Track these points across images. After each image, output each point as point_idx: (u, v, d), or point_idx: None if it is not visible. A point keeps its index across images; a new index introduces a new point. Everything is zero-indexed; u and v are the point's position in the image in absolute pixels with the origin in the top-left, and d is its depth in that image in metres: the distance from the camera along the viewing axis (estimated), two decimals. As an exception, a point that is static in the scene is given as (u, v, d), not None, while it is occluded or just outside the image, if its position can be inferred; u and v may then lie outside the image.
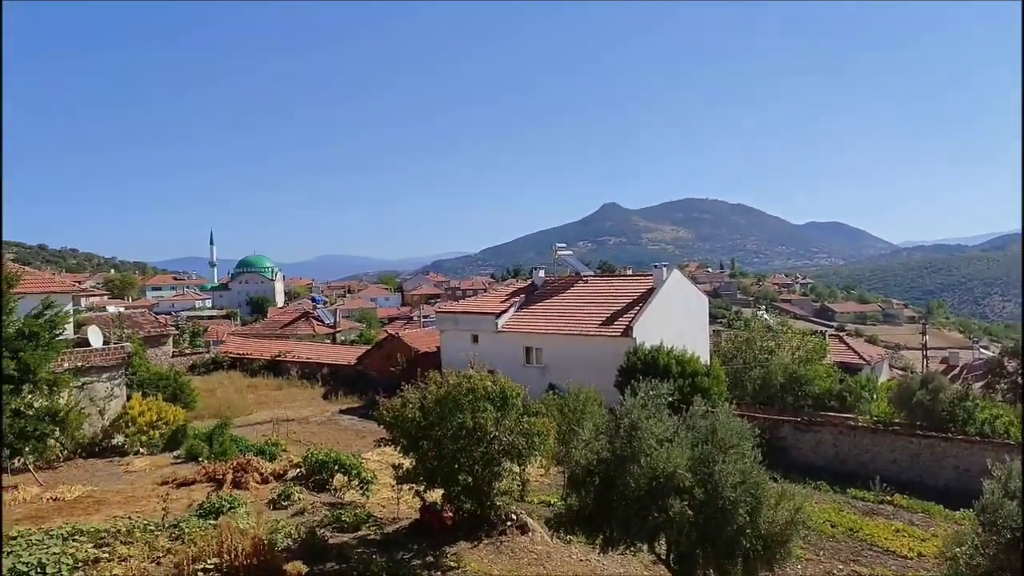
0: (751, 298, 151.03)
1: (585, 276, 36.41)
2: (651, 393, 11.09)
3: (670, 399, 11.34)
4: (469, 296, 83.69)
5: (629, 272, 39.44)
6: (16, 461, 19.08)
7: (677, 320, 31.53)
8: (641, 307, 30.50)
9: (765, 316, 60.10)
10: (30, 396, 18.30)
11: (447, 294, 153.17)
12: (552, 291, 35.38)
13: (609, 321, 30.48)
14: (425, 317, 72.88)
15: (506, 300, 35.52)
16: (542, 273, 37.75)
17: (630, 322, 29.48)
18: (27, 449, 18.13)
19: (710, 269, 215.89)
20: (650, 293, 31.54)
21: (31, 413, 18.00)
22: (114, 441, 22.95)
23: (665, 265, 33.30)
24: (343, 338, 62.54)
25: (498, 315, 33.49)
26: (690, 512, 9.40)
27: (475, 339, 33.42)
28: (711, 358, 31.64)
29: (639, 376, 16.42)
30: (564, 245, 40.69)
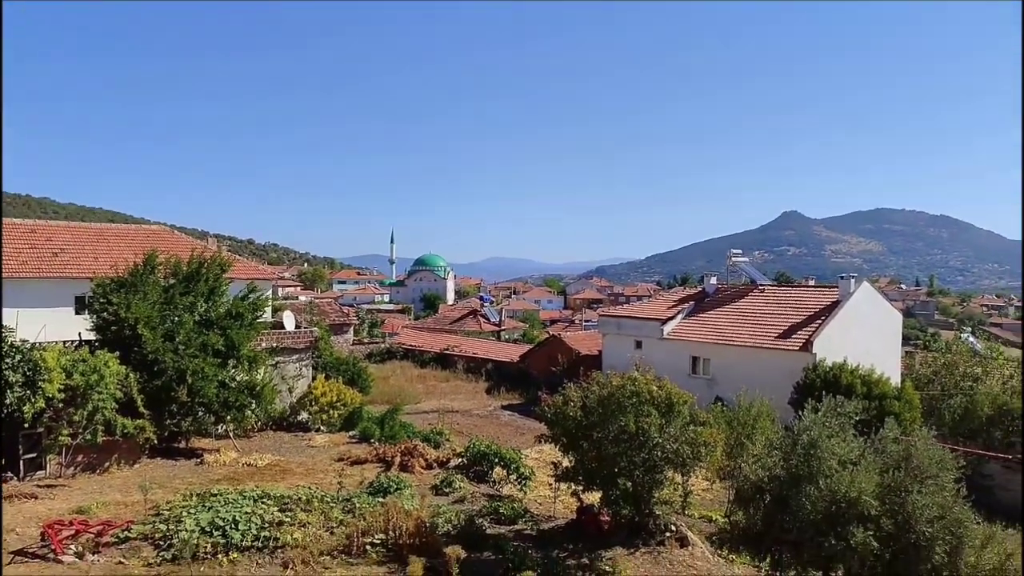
0: (952, 319, 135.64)
1: (762, 285, 34.50)
2: (835, 410, 10.22)
3: (856, 418, 10.39)
4: (633, 302, 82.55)
5: (811, 283, 36.78)
6: (219, 427, 21.49)
7: (864, 337, 28.95)
8: (823, 321, 28.36)
9: (971, 339, 53.59)
10: (233, 370, 20.53)
11: (610, 300, 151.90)
12: (724, 299, 33.88)
13: (786, 334, 28.66)
14: (587, 321, 72.82)
15: (673, 307, 34.53)
16: (714, 280, 36.25)
17: (810, 336, 27.52)
18: (229, 417, 20.34)
19: (903, 286, 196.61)
20: (834, 306, 29.23)
21: (233, 385, 20.16)
22: (299, 417, 25.20)
23: (853, 276, 30.72)
24: (507, 336, 64.21)
25: (664, 322, 32.66)
26: (875, 544, 8.53)
27: (638, 345, 32.80)
28: (902, 381, 28.72)
29: (818, 394, 15.22)
30: (739, 252, 38.79)
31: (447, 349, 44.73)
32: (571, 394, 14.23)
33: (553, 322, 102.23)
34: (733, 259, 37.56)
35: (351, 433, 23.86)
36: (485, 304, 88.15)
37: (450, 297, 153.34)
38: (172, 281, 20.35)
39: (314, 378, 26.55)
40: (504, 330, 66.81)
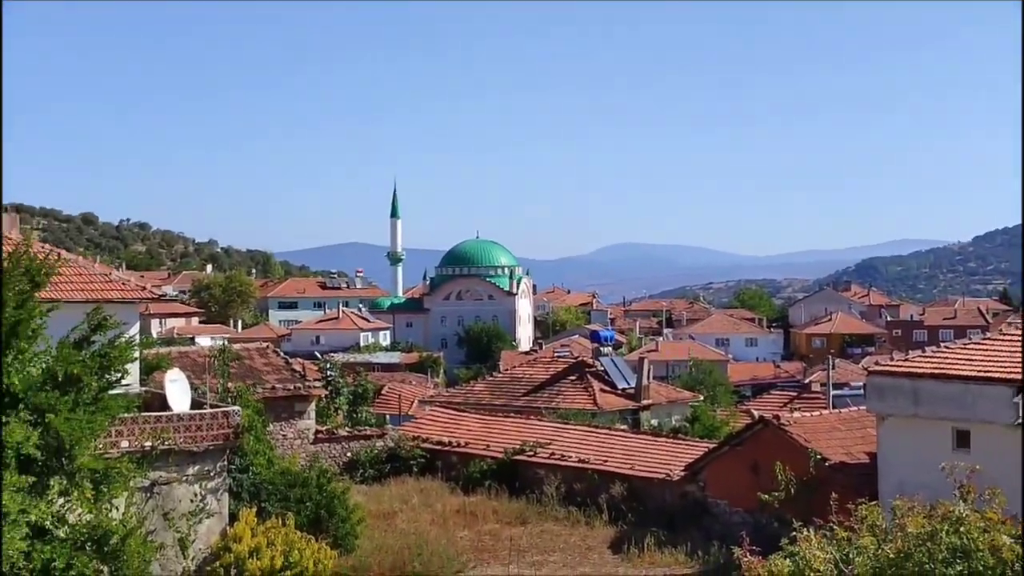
0: None
1: None
2: None
3: None
4: (946, 340, 79.96)
5: None
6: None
7: None
8: None
9: None
10: (62, 501, 20.90)
11: (892, 335, 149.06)
12: None
13: None
14: (840, 387, 71.14)
15: (1047, 352, 33.57)
16: None
17: None
18: (52, 603, 20.67)
19: None
20: None
21: (62, 534, 20.55)
22: (202, 603, 25.49)
23: None
24: (656, 422, 63.44)
25: (1022, 386, 31.81)
26: None
27: (961, 439, 32.19)
28: None
29: None
30: None
31: (521, 452, 44.63)
32: (811, 554, 14.26)
33: (762, 388, 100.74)
34: None
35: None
36: (605, 348, 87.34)
37: (524, 334, 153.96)
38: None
39: (234, 517, 26.96)
40: (649, 407, 66.21)
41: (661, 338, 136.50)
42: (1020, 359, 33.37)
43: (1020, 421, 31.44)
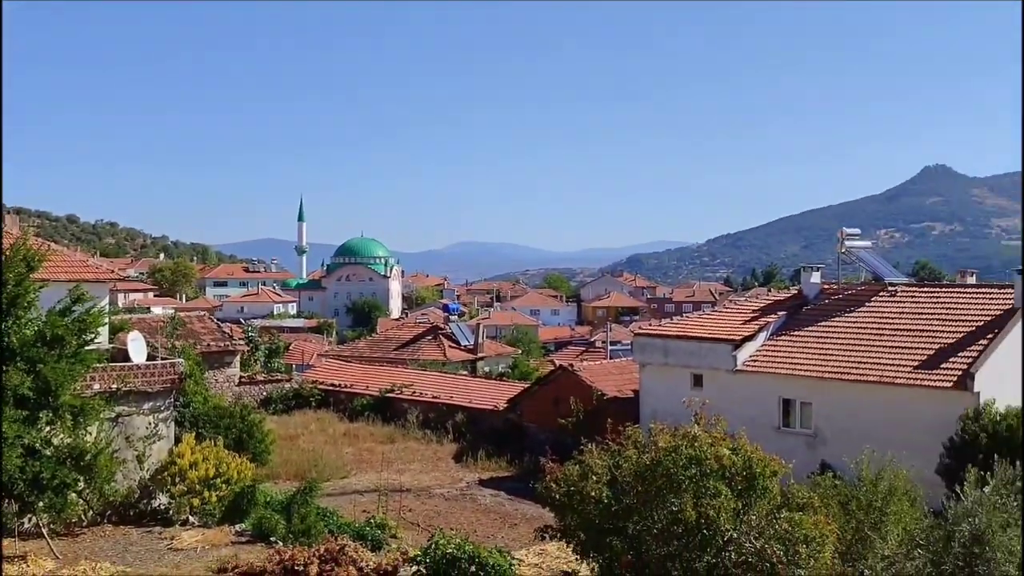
0: None
1: (892, 284, 34.80)
2: (1012, 485, 10.38)
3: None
4: (687, 312, 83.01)
5: (970, 280, 37.09)
6: (26, 521, 21.35)
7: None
8: (991, 341, 28.57)
9: None
10: (48, 429, 20.48)
11: (650, 308, 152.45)
12: (833, 308, 34.16)
13: (932, 363, 28.85)
14: (615, 344, 73.11)
15: (752, 320, 34.86)
16: (816, 278, 36.56)
17: (970, 365, 27.72)
18: (41, 504, 20.27)
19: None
20: (1008, 318, 29.51)
21: (49, 453, 20.13)
22: (155, 503, 25.20)
23: (1039, 269, 30.97)
24: (487, 368, 64.45)
25: (738, 344, 32.93)
26: None
27: (696, 381, 33.19)
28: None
29: (984, 458, 15.37)
30: (856, 231, 38.85)
31: (391, 391, 45.03)
32: (593, 461, 14.65)
33: (561, 345, 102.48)
34: (846, 243, 37.78)
35: (239, 527, 23.84)
36: (452, 317, 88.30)
37: (394, 306, 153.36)
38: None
39: (178, 439, 26.63)
40: (483, 358, 67.19)
41: (492, 309, 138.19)
42: (736, 325, 34.99)
43: (738, 368, 32.73)
